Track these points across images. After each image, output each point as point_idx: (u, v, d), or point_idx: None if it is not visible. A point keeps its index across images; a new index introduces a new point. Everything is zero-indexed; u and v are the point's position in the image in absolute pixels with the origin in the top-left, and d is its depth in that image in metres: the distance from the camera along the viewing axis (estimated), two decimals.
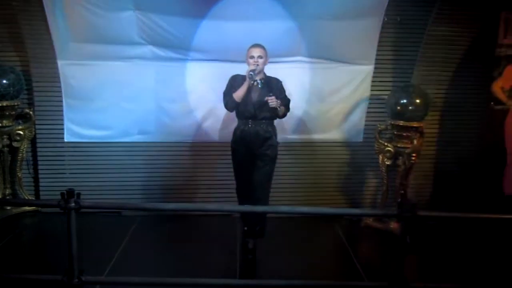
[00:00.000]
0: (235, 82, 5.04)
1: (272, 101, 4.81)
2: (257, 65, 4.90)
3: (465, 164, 6.42)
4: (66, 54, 5.95)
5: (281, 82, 5.17)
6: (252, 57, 4.94)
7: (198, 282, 3.97)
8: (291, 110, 5.49)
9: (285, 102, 5.08)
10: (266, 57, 4.99)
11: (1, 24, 5.92)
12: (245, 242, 5.18)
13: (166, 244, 5.50)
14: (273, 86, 5.06)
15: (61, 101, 6.11)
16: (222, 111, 5.58)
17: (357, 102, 6.31)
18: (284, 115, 5.14)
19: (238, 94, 4.94)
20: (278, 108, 4.89)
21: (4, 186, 6.20)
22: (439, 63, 6.18)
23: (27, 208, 6.21)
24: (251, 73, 4.84)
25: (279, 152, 6.02)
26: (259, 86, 4.94)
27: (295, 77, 6.09)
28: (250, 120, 5.02)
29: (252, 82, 4.89)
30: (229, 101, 5.01)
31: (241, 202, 5.30)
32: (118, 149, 6.29)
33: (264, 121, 5.03)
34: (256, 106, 4.97)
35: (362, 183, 6.60)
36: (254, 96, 4.99)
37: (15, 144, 6.09)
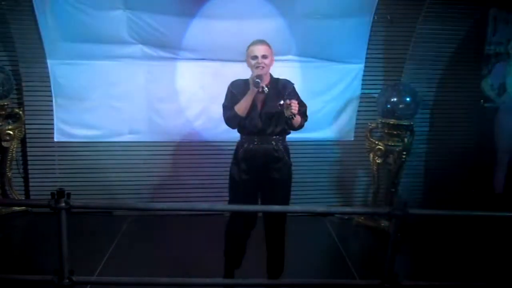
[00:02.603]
0: (236, 89, 4.06)
1: (295, 106, 3.82)
2: (263, 67, 3.93)
3: (455, 162, 6.44)
4: (56, 54, 5.92)
5: (292, 84, 4.16)
6: (255, 57, 3.95)
7: (190, 282, 3.97)
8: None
9: (302, 109, 4.05)
10: (272, 55, 4.07)
11: None
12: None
13: (157, 244, 5.48)
14: (283, 90, 4.07)
15: (51, 100, 6.07)
16: (213, 110, 5.52)
17: (348, 100, 6.32)
18: (301, 126, 4.13)
19: (242, 107, 3.94)
20: (294, 117, 3.86)
21: None
22: (429, 61, 6.21)
23: (17, 208, 6.16)
24: (257, 80, 3.85)
25: None
26: (265, 92, 3.92)
27: (286, 76, 6.02)
28: (255, 137, 4.02)
29: (257, 89, 3.92)
30: (230, 116, 4.00)
31: (232, 247, 4.34)
32: (108, 149, 6.26)
33: (274, 137, 4.05)
34: (264, 118, 3.99)
35: (353, 181, 6.61)
36: (260, 105, 4.02)
37: (4, 144, 6.04)
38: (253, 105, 3.99)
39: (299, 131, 6.26)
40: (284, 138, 4.16)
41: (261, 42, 4.06)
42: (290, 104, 3.81)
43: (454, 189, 6.33)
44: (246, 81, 4.04)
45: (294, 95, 4.10)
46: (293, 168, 6.31)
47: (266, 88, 3.92)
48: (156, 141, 6.28)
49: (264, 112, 4.01)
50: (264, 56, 3.96)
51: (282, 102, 3.87)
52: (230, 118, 4.03)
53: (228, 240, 4.35)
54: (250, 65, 4.03)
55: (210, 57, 5.98)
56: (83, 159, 6.25)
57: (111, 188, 6.30)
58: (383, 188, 6.23)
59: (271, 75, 4.13)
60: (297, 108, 3.83)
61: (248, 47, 4.07)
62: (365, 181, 6.58)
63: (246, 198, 4.09)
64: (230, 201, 4.24)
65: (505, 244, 5.52)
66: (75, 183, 6.12)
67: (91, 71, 6.01)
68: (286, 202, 4.20)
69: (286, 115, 3.87)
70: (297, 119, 3.95)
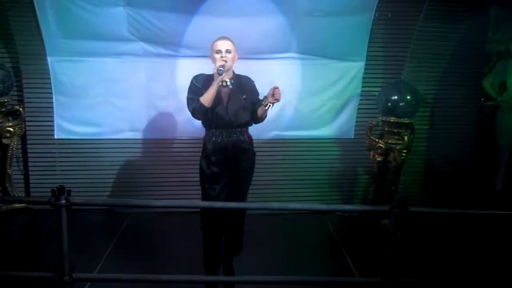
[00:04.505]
0: (199, 83, 4.24)
1: (279, 92, 4.01)
2: (226, 61, 4.13)
3: (456, 160, 6.44)
4: (56, 51, 5.92)
5: (253, 81, 4.40)
6: (219, 51, 4.20)
7: (190, 279, 3.97)
8: (282, 106, 5.44)
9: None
10: (236, 52, 4.28)
11: None
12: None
13: (157, 241, 5.48)
14: (245, 86, 4.32)
15: (51, 97, 6.07)
16: None
17: (348, 98, 6.31)
18: (264, 119, 4.38)
19: (207, 97, 4.07)
20: (272, 106, 4.10)
21: None
22: (429, 59, 6.20)
23: (17, 205, 6.18)
24: (220, 68, 4.05)
25: (269, 150, 6.02)
26: (230, 86, 4.21)
27: (286, 73, 6.09)
28: (223, 130, 4.20)
29: (221, 82, 4.14)
30: (196, 107, 4.10)
31: (208, 236, 4.39)
32: (109, 146, 6.26)
33: (239, 129, 4.24)
34: (230, 112, 4.18)
35: (354, 179, 6.61)
36: (226, 99, 4.21)
37: (5, 141, 6.04)
38: (219, 100, 4.17)
39: (298, 129, 6.30)
40: (248, 129, 4.35)
41: (225, 38, 4.30)
42: (275, 91, 3.99)
43: (454, 187, 6.33)
44: (208, 76, 4.25)
45: (255, 91, 4.36)
46: (293, 166, 6.42)
47: (229, 82, 4.21)
48: (156, 138, 6.28)
49: (230, 105, 4.19)
50: (227, 51, 4.20)
51: (274, 88, 4.01)
52: (197, 109, 4.12)
53: (205, 234, 4.44)
54: (213, 60, 4.25)
55: None
56: (83, 156, 6.24)
57: (111, 185, 6.30)
58: (383, 186, 6.23)
59: (233, 72, 4.33)
60: (278, 95, 4.01)
61: (213, 42, 4.31)
62: (365, 179, 6.57)
63: (219, 191, 4.29)
64: (203, 194, 4.37)
65: (505, 242, 5.52)
66: (75, 180, 6.13)
67: (91, 68, 6.00)
68: (247, 189, 4.45)
69: (269, 102, 4.05)
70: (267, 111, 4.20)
